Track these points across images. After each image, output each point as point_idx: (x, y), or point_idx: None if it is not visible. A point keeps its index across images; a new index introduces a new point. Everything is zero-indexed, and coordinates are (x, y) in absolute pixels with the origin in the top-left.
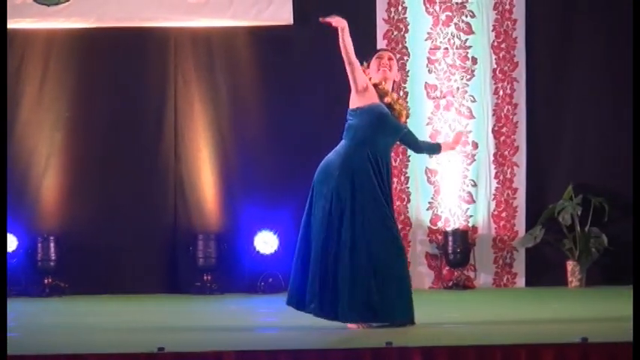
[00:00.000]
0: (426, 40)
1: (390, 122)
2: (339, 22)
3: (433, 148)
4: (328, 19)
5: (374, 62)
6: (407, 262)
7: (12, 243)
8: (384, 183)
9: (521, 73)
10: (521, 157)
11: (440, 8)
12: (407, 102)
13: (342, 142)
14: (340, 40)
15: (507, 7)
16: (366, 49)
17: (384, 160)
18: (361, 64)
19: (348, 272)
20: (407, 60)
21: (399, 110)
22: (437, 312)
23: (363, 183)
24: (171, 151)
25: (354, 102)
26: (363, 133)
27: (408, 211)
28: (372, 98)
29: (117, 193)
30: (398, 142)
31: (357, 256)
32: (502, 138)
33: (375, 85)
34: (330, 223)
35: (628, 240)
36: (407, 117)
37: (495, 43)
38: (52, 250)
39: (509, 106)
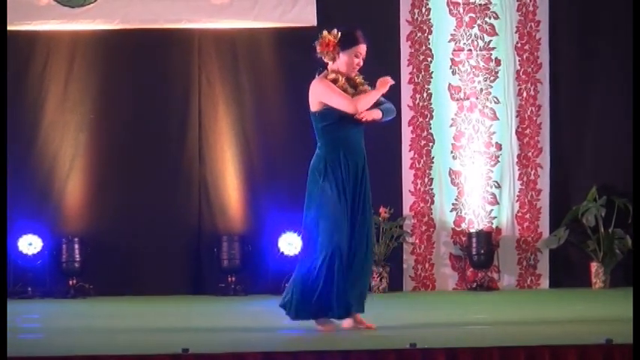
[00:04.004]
0: (449, 41)
1: (350, 116)
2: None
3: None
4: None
5: (350, 56)
6: None
7: (37, 244)
8: (360, 184)
9: (544, 74)
10: (544, 159)
11: (463, 10)
12: (431, 103)
13: (318, 146)
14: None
15: (531, 8)
16: (389, 51)
17: (360, 160)
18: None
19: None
20: (430, 61)
21: (364, 92)
22: (461, 313)
23: (345, 184)
24: (196, 152)
25: (315, 105)
26: (331, 134)
27: (431, 213)
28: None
29: (141, 194)
30: None
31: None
32: (526, 139)
33: (348, 78)
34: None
35: None
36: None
37: (519, 45)
38: (77, 251)
39: (533, 108)
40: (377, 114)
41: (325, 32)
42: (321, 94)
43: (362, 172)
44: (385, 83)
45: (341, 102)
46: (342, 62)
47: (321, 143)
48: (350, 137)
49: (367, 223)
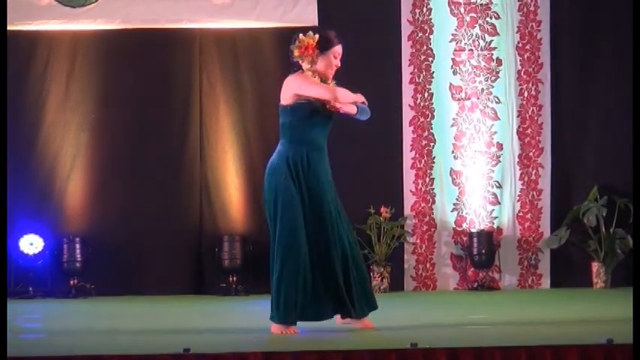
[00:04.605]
0: (450, 41)
1: (320, 114)
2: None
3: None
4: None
5: (329, 57)
6: None
7: (38, 244)
8: (319, 182)
9: (545, 74)
10: (546, 159)
11: (465, 10)
12: (432, 103)
13: (281, 142)
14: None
15: (532, 8)
16: (390, 51)
17: (322, 159)
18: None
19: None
20: (432, 61)
21: None
22: (462, 313)
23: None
24: (197, 152)
25: (287, 98)
26: (298, 131)
27: (432, 212)
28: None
29: (142, 194)
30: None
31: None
32: (527, 139)
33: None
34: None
35: None
36: None
37: (520, 45)
38: (78, 251)
39: (534, 108)
40: (352, 108)
41: (302, 36)
42: (298, 86)
43: (324, 172)
44: (360, 97)
45: (320, 90)
46: (320, 64)
47: (285, 139)
48: (315, 136)
49: (333, 222)
